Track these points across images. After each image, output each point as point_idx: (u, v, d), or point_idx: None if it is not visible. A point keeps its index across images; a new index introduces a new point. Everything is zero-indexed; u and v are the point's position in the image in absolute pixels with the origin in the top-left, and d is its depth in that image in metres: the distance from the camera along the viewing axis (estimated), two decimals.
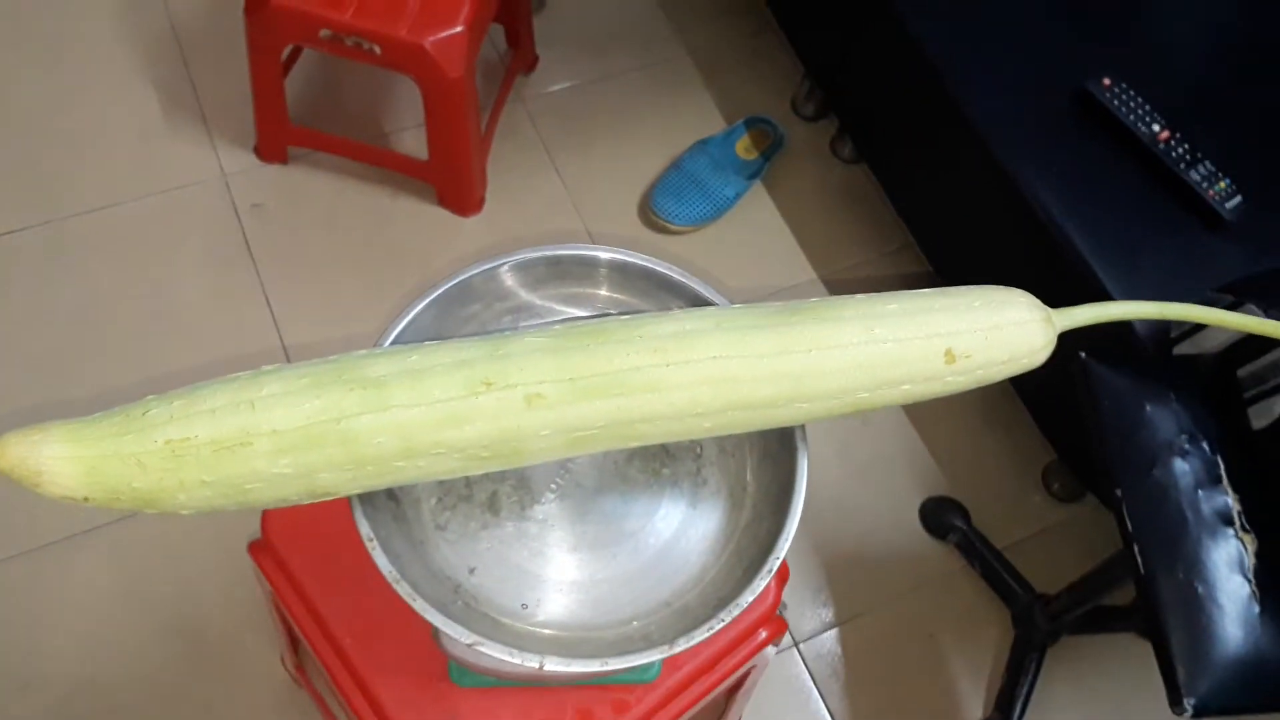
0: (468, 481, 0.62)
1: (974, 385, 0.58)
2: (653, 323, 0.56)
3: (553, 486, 0.62)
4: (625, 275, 0.64)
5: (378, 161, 1.56)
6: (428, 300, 0.60)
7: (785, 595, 1.36)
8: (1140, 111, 1.30)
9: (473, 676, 0.77)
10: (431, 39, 1.34)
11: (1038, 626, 1.33)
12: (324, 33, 1.36)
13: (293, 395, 0.51)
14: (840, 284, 1.60)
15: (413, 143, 1.60)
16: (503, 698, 0.77)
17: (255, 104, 1.50)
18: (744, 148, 1.66)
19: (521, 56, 1.71)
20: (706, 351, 0.55)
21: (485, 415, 0.52)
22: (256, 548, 0.82)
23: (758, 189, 1.66)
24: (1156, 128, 1.28)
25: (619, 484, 0.63)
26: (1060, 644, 1.35)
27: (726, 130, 1.68)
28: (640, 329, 0.56)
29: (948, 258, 1.48)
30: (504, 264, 0.62)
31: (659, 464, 0.64)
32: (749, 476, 0.62)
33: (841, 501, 1.43)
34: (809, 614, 1.36)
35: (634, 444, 0.56)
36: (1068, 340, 1.16)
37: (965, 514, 1.42)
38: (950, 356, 0.56)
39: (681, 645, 0.53)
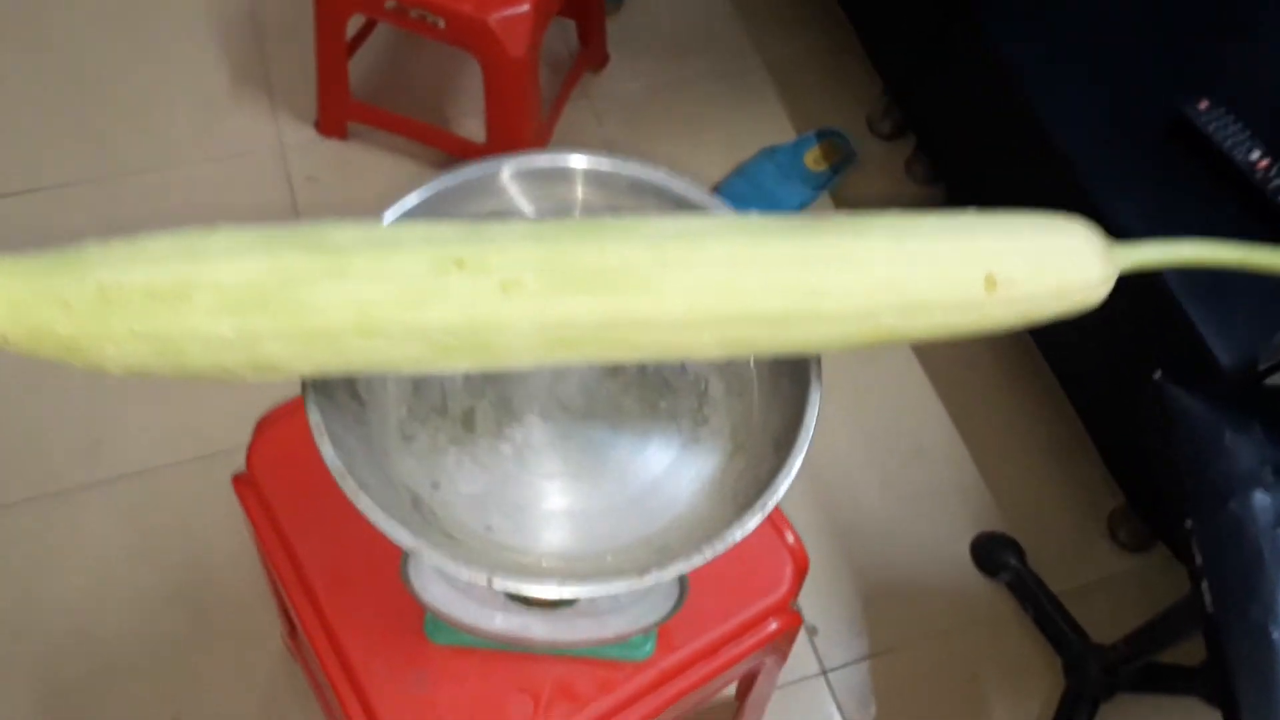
0: (443, 393, 0.56)
1: (1018, 321, 0.51)
2: (655, 221, 0.50)
3: (536, 408, 0.56)
4: (639, 190, 0.59)
5: (435, 142, 1.54)
6: (420, 192, 0.55)
7: (815, 618, 1.27)
8: (1239, 137, 1.21)
9: (448, 632, 0.70)
10: (496, 16, 1.31)
11: (1091, 678, 1.22)
12: (390, 3, 1.35)
13: (243, 251, 0.46)
14: None
15: (474, 127, 1.58)
16: (479, 662, 0.71)
17: (319, 76, 1.49)
18: (813, 159, 1.60)
19: (591, 53, 1.68)
20: (712, 254, 0.48)
21: (454, 298, 0.47)
22: (240, 481, 0.77)
23: (824, 201, 1.60)
24: (1255, 155, 1.19)
25: (611, 413, 0.56)
26: (1115, 701, 1.23)
27: (796, 140, 1.62)
28: (641, 226, 0.50)
29: None
30: (507, 168, 0.57)
31: (658, 396, 0.57)
32: (755, 418, 0.55)
33: (887, 529, 1.34)
34: (841, 641, 1.27)
35: (624, 356, 0.50)
36: (1143, 361, 1.06)
37: (1020, 552, 1.32)
38: (991, 282, 0.49)
39: (653, 576, 0.46)
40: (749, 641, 0.74)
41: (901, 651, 1.27)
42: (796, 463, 0.49)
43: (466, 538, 0.51)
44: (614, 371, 0.57)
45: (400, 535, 0.46)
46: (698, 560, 0.46)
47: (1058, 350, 1.34)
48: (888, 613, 1.29)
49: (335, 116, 1.54)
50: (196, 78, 1.60)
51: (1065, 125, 1.23)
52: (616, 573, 0.47)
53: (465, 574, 0.46)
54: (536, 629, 0.69)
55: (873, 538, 1.33)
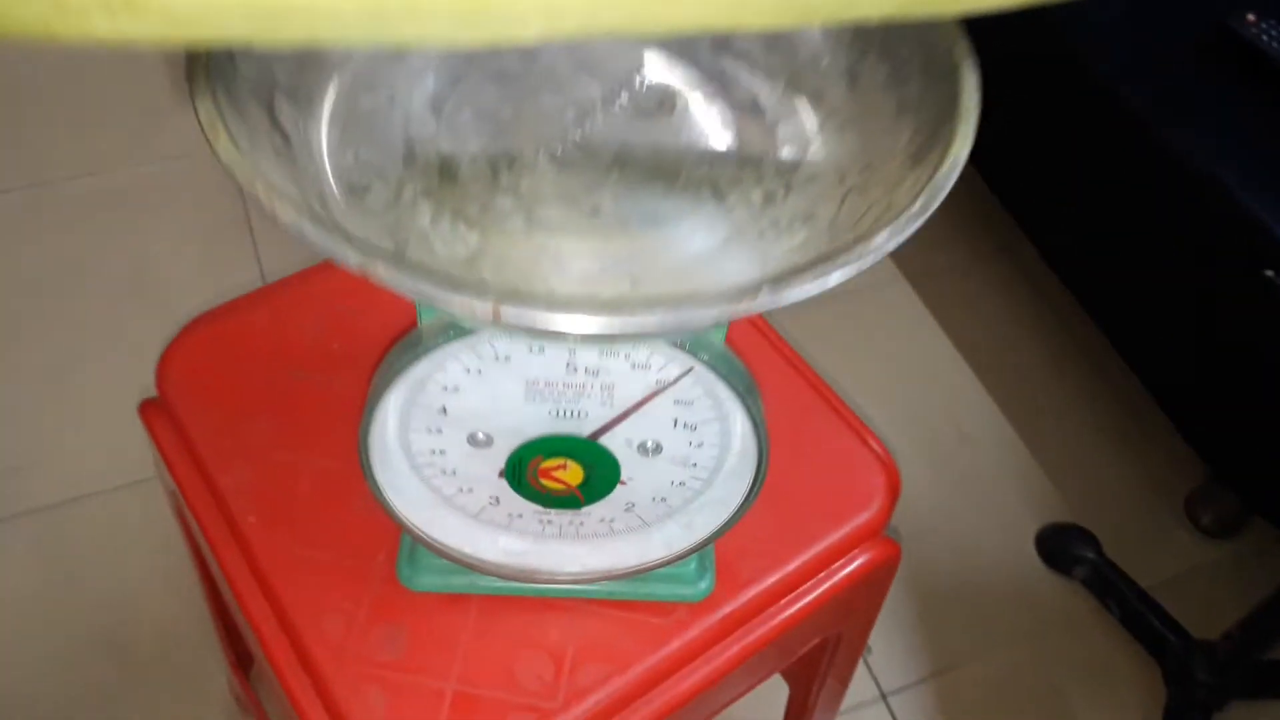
0: (407, 136, 0.38)
1: None
2: None
3: (549, 150, 0.39)
4: None
5: None
6: None
7: (870, 637, 1.07)
8: None
9: (431, 569, 0.51)
10: None
11: (1198, 682, 1.02)
12: None
13: None
14: (925, 279, 1.36)
15: None
16: (476, 614, 0.51)
17: None
18: None
19: None
20: None
21: None
22: (149, 408, 0.58)
23: None
24: None
25: (654, 175, 0.39)
26: (1229, 712, 1.03)
27: None
28: None
29: (1063, 253, 1.24)
30: None
31: (718, 172, 0.40)
32: (877, 138, 0.38)
33: (938, 526, 1.16)
34: (899, 660, 1.07)
35: (674, 28, 0.33)
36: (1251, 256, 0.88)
37: (1095, 543, 1.13)
38: None
39: (766, 298, 0.28)
40: (834, 577, 0.55)
41: (969, 666, 1.07)
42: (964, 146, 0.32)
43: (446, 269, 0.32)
44: (662, 104, 0.40)
45: (344, 252, 0.28)
46: (830, 276, 0.29)
47: (1117, 316, 1.18)
48: (948, 623, 1.09)
49: None
50: (136, 81, 1.45)
51: (1106, 55, 1.10)
52: (697, 299, 0.29)
53: (457, 302, 0.28)
54: (555, 555, 0.50)
55: (924, 537, 1.14)
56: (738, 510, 0.47)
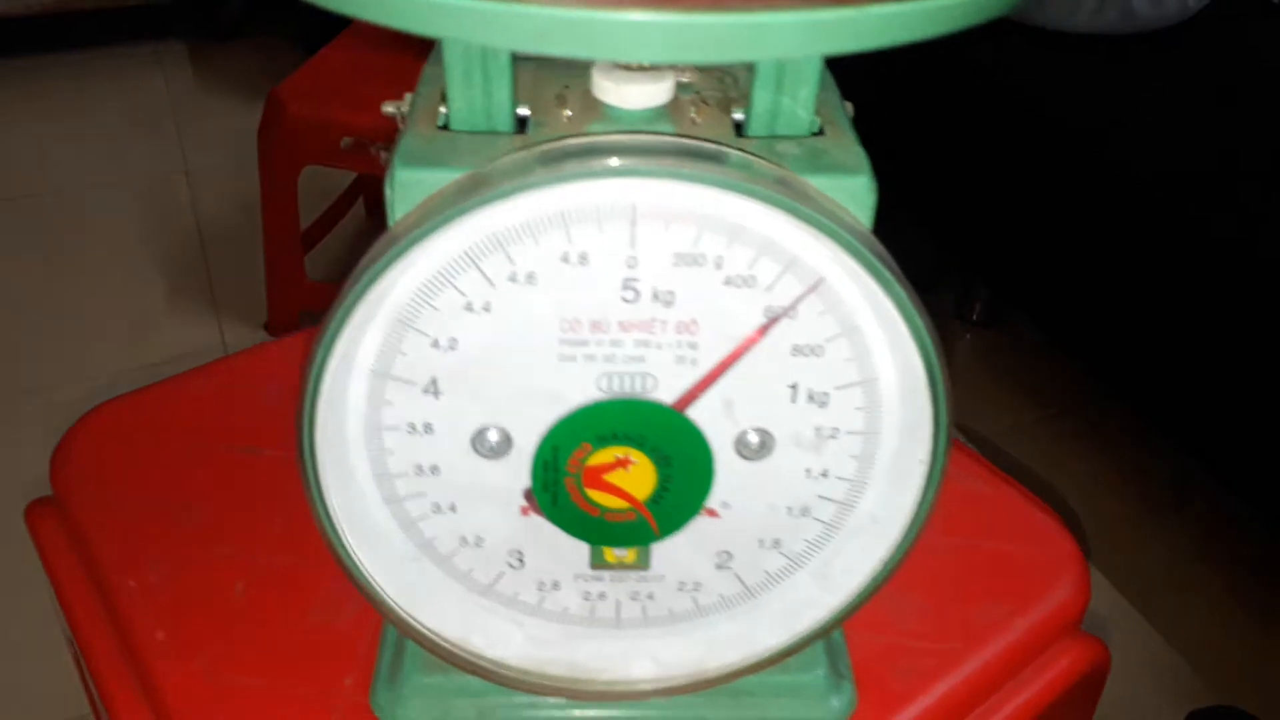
0: None
1: None
2: None
3: None
4: None
5: None
6: None
7: None
8: None
9: (421, 695, 0.33)
10: None
11: None
12: (345, 141, 1.15)
13: None
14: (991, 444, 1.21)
15: None
16: None
17: (266, 258, 1.26)
18: None
19: None
20: None
21: None
22: (38, 509, 0.42)
23: None
24: None
25: None
26: None
27: None
28: None
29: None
30: None
31: None
32: None
33: None
34: None
35: None
36: None
37: None
38: None
39: None
40: (1034, 683, 0.36)
41: None
42: None
43: None
44: None
45: None
46: None
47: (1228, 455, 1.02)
48: None
49: (286, 311, 1.29)
50: (134, 290, 1.37)
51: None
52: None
53: None
54: (611, 652, 0.32)
55: None
56: (897, 551, 0.30)
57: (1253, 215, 0.95)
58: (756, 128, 0.28)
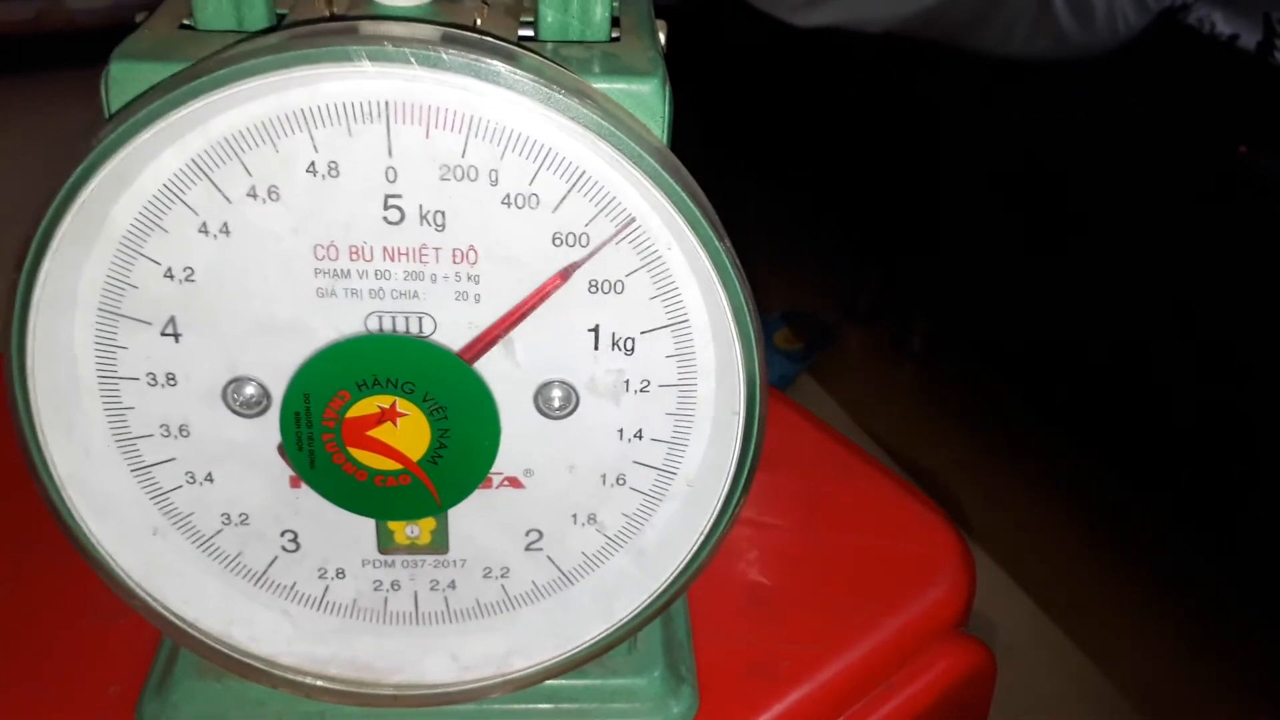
0: None
1: None
2: None
3: None
4: None
5: None
6: None
7: None
8: None
9: (193, 699, 0.29)
10: None
11: None
12: None
13: None
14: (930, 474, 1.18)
15: None
16: None
17: None
18: (783, 338, 1.35)
19: None
20: None
21: None
22: None
23: (806, 381, 1.31)
24: None
25: None
26: None
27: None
28: None
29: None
30: None
31: None
32: None
33: None
34: None
35: None
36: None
37: None
38: None
39: None
40: (905, 691, 0.33)
41: None
42: None
43: None
44: None
45: None
46: None
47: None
48: None
49: None
50: None
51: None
52: None
53: None
54: (406, 648, 0.28)
55: None
56: (719, 521, 0.26)
57: (1189, 238, 0.94)
58: (546, 32, 0.25)
